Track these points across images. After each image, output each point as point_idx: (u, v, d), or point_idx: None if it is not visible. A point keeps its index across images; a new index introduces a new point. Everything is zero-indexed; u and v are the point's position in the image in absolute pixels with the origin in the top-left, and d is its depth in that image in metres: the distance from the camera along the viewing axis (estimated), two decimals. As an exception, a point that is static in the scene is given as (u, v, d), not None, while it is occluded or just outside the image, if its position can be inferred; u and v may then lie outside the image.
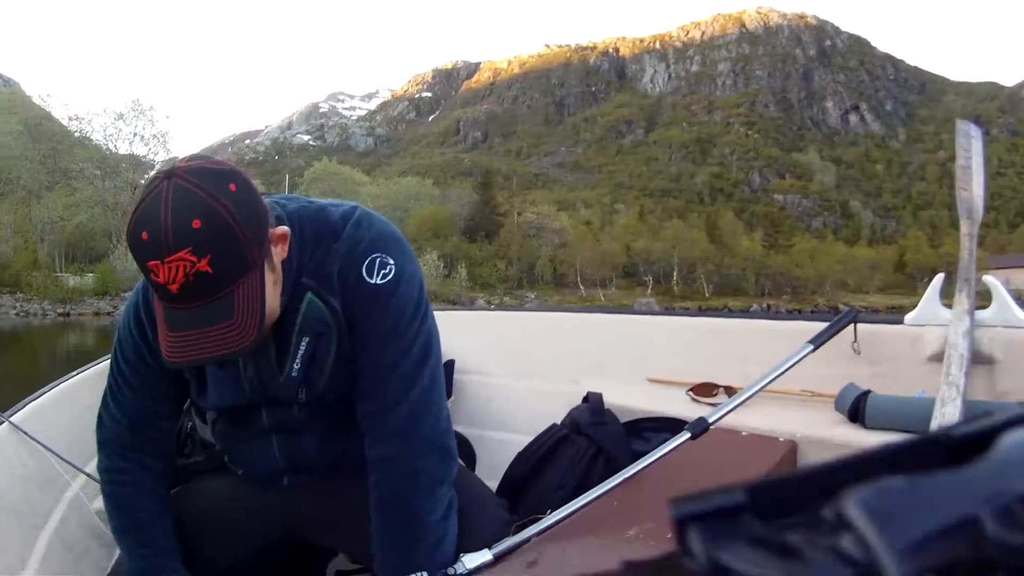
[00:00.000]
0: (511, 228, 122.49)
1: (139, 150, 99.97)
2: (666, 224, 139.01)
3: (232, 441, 2.28)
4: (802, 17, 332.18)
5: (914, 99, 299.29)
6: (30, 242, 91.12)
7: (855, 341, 3.03)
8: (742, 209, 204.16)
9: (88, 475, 3.06)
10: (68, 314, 75.71)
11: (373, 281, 2.00)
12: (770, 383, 2.65)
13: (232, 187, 1.70)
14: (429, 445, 2.07)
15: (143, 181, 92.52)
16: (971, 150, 3.54)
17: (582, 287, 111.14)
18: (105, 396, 2.23)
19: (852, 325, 3.05)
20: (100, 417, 2.23)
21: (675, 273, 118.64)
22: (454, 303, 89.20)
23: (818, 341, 2.86)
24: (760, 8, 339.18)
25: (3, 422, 2.90)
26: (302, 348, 2.03)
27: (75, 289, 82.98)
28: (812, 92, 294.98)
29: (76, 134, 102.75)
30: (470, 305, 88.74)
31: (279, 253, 1.87)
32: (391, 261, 2.02)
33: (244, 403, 2.14)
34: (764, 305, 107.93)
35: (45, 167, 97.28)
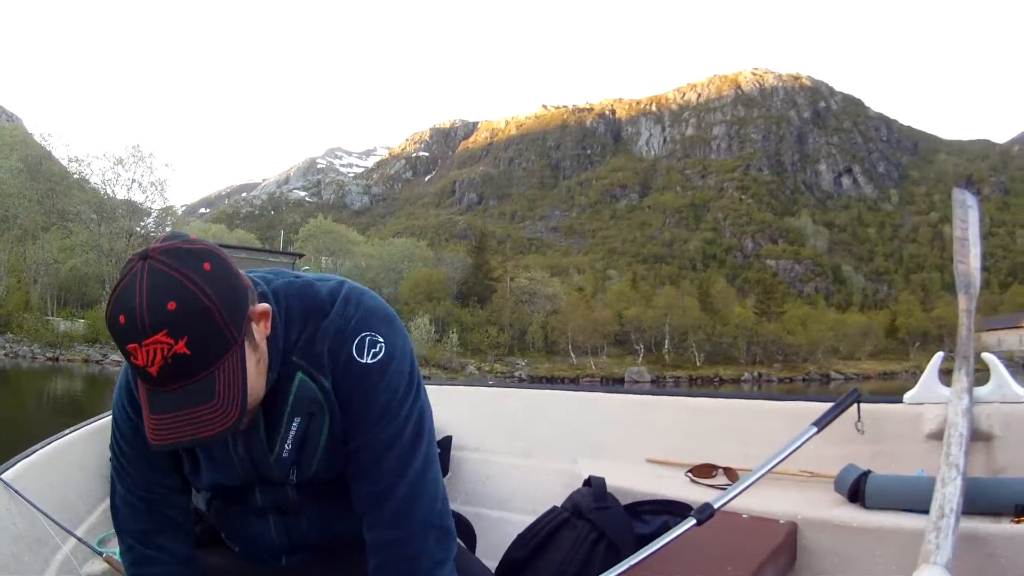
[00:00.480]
0: (504, 293, 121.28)
1: (137, 196, 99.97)
2: (658, 291, 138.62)
3: (229, 520, 2.27)
4: (797, 78, 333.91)
5: (907, 160, 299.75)
6: (23, 283, 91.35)
7: (858, 421, 3.08)
8: (735, 275, 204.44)
9: (79, 539, 3.08)
10: (57, 359, 75.72)
11: (364, 360, 1.98)
12: (774, 467, 2.69)
13: (207, 266, 1.69)
14: (428, 526, 2.03)
15: (139, 228, 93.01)
16: (968, 220, 3.68)
17: (573, 355, 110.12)
18: (113, 483, 2.19)
19: (855, 405, 3.09)
20: (113, 505, 2.20)
21: (666, 341, 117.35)
22: (445, 368, 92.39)
23: (822, 423, 2.89)
24: (756, 69, 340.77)
25: None
26: (293, 429, 2.01)
27: (65, 334, 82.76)
28: (806, 155, 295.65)
29: (75, 176, 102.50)
30: (461, 371, 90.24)
31: (262, 331, 1.85)
32: (381, 339, 2.00)
33: (236, 483, 2.12)
34: (755, 373, 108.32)
35: (42, 207, 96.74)
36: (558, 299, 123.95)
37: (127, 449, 2.14)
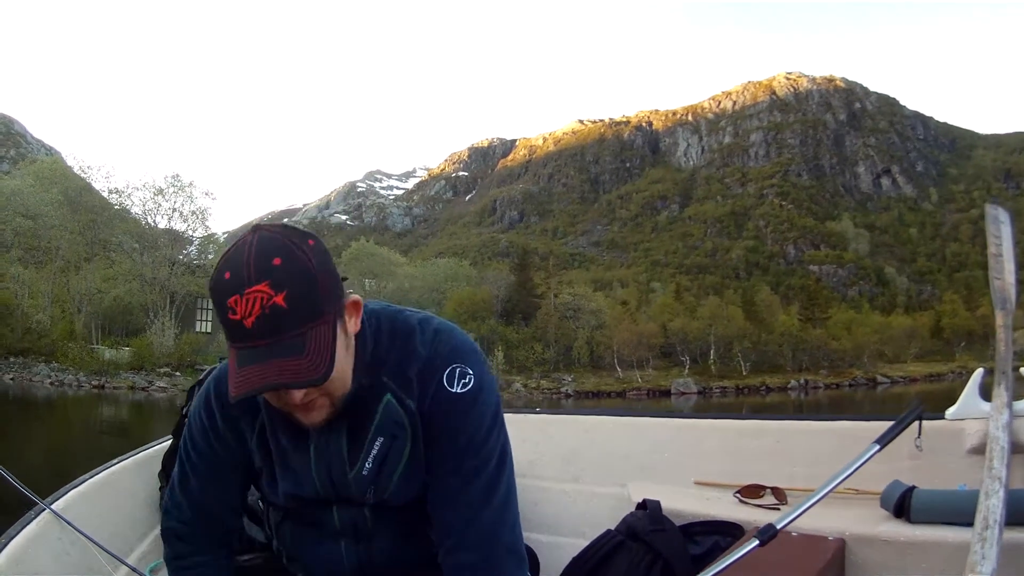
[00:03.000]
0: (548, 309, 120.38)
1: (178, 225, 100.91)
2: (703, 302, 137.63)
3: (298, 542, 2.33)
4: (831, 80, 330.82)
5: (944, 157, 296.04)
6: (67, 312, 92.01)
7: (918, 438, 3.12)
8: (778, 282, 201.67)
9: (130, 567, 3.19)
10: (103, 386, 75.59)
11: (454, 390, 2.06)
12: (839, 484, 2.70)
13: (311, 243, 1.81)
14: (510, 552, 2.10)
15: (181, 257, 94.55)
16: (1001, 236, 3.73)
17: (619, 368, 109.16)
18: (172, 485, 2.32)
19: (917, 421, 3.13)
20: (166, 507, 2.34)
21: (712, 352, 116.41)
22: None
23: (884, 440, 2.91)
24: (789, 74, 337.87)
25: (44, 510, 2.98)
26: (375, 448, 2.08)
27: (110, 362, 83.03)
28: (844, 157, 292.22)
29: (116, 207, 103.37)
30: (507, 388, 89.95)
31: (353, 323, 1.95)
32: (471, 371, 2.09)
33: (313, 496, 2.18)
34: (802, 380, 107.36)
35: (84, 238, 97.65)
36: (602, 313, 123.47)
37: (195, 457, 2.25)
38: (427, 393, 2.06)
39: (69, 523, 2.94)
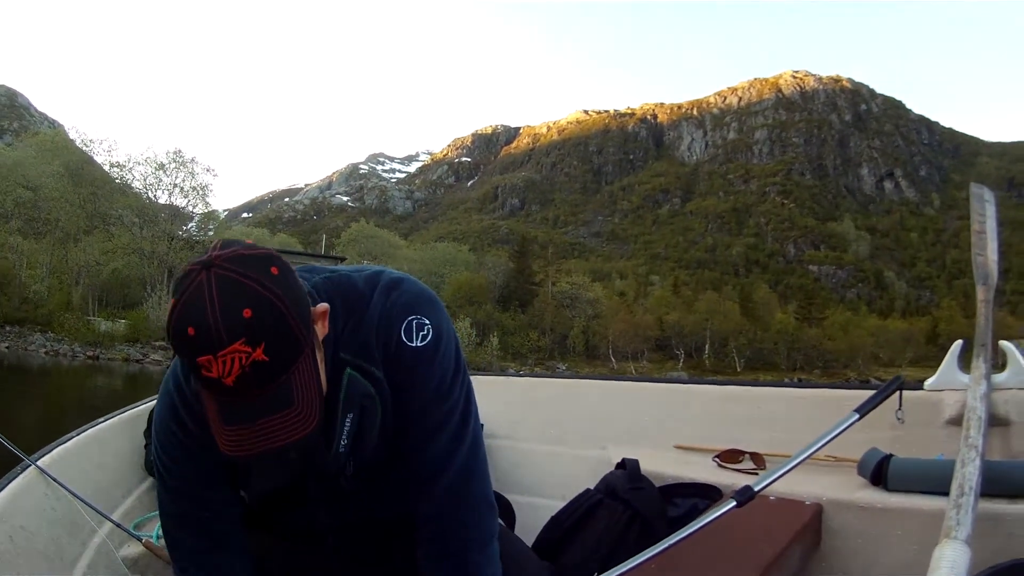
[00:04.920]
0: (545, 298, 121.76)
1: (179, 201, 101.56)
2: (700, 296, 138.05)
3: (276, 512, 2.27)
4: (837, 81, 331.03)
5: (948, 163, 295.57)
6: (65, 284, 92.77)
7: (899, 409, 3.18)
8: (777, 281, 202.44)
9: (116, 523, 3.20)
10: (97, 357, 76.10)
11: (414, 344, 2.00)
12: (817, 451, 2.71)
13: (274, 271, 1.67)
14: (480, 500, 2.11)
15: (181, 232, 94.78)
16: (985, 214, 3.83)
17: (614, 360, 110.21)
18: (164, 512, 2.20)
19: (898, 393, 3.18)
20: (168, 536, 2.21)
21: (707, 347, 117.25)
22: (485, 373, 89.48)
23: (864, 410, 2.93)
24: (796, 72, 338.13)
25: (30, 466, 3.00)
26: (347, 424, 2.00)
27: (106, 334, 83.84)
28: (848, 158, 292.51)
29: (117, 181, 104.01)
30: (501, 375, 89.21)
31: (321, 331, 1.85)
32: (427, 322, 2.03)
33: (289, 484, 2.14)
34: (796, 379, 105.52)
35: (84, 211, 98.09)
36: (599, 304, 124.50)
37: (177, 470, 2.11)
38: (389, 351, 2.00)
39: (54, 479, 2.99)
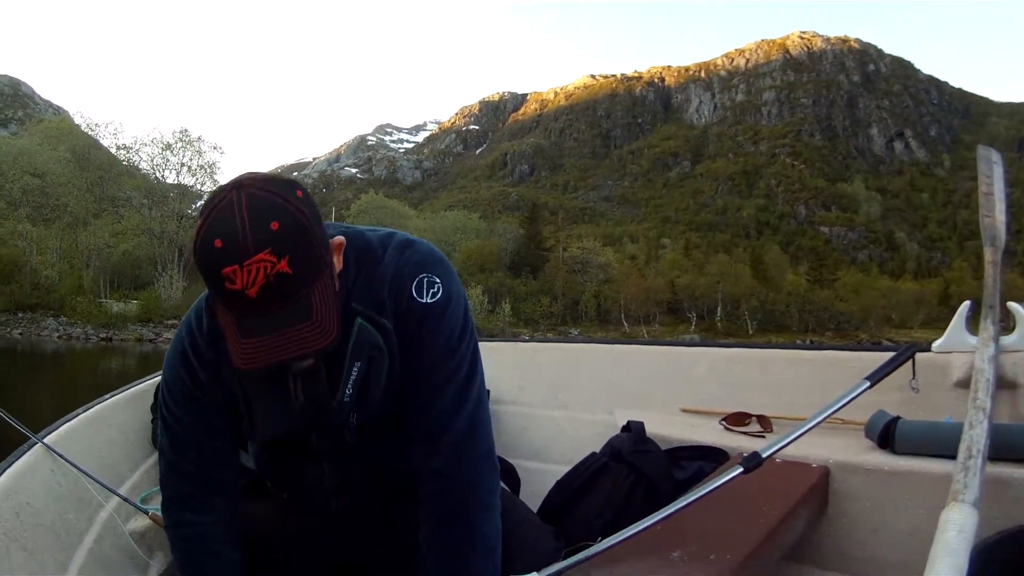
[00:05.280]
0: (556, 263, 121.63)
1: (187, 180, 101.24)
2: (711, 259, 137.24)
3: (280, 469, 2.29)
4: (845, 41, 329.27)
5: (958, 123, 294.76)
6: (76, 267, 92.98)
7: (913, 379, 3.06)
8: (788, 242, 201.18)
9: (123, 497, 3.21)
10: (110, 339, 76.08)
11: (424, 300, 2.03)
12: (826, 418, 2.61)
13: (299, 194, 1.73)
14: (484, 457, 2.12)
15: (190, 211, 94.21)
16: (992, 176, 3.76)
17: (626, 323, 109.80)
18: (162, 452, 2.25)
19: (911, 361, 3.08)
20: (163, 477, 2.25)
21: (719, 309, 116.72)
22: (507, 338, 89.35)
23: (875, 377, 2.84)
24: (803, 33, 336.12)
25: (36, 443, 3.01)
26: (354, 373, 2.03)
27: (118, 315, 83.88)
28: (857, 119, 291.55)
29: (124, 163, 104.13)
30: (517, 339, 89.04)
31: (337, 264, 1.89)
32: (438, 280, 2.06)
33: (295, 431, 2.14)
34: (808, 341, 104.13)
35: (93, 195, 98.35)
36: (611, 268, 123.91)
37: (180, 414, 2.15)
38: (400, 306, 2.03)
39: (60, 455, 3.00)
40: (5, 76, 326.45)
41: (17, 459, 2.83)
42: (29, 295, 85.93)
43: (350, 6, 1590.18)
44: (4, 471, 2.69)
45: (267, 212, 1.64)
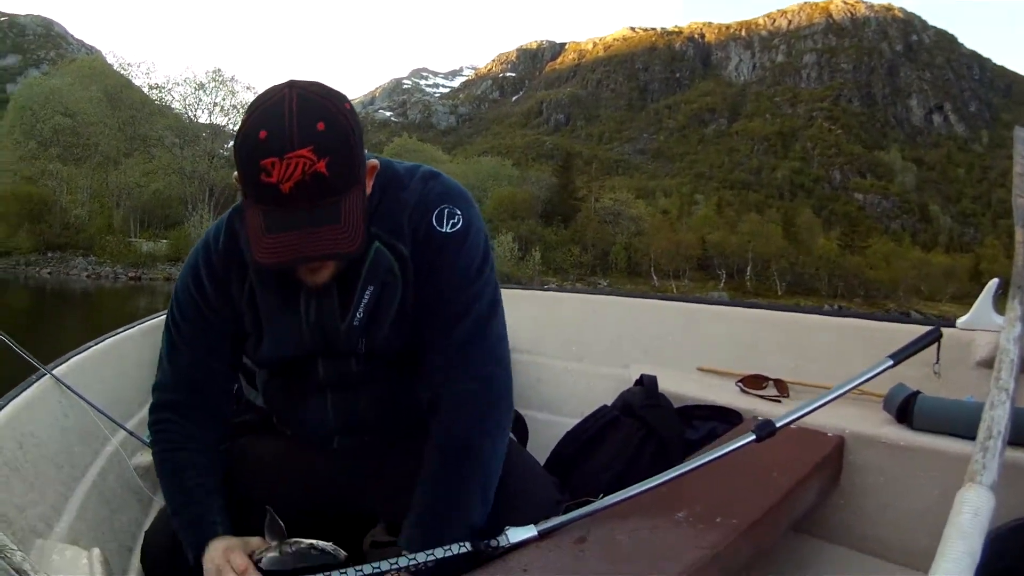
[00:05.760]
0: (588, 213, 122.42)
1: (219, 120, 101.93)
2: (744, 218, 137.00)
3: (285, 399, 2.30)
4: (889, 9, 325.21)
5: (999, 101, 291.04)
6: (106, 207, 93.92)
7: (936, 363, 2.90)
8: (821, 206, 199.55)
9: (129, 431, 3.20)
10: (139, 278, 77.46)
11: (444, 230, 2.03)
12: (843, 394, 2.43)
13: (347, 106, 1.74)
14: (503, 390, 2.12)
15: (222, 151, 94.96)
16: None
17: (655, 277, 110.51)
18: (161, 360, 2.24)
19: (937, 343, 2.89)
20: (156, 382, 2.25)
21: (749, 268, 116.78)
22: (526, 287, 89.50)
23: (899, 357, 2.67)
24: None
25: (45, 375, 2.96)
26: (366, 297, 2.03)
27: (148, 254, 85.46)
28: (897, 88, 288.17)
29: (156, 103, 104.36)
30: (541, 289, 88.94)
31: (368, 186, 1.89)
32: (459, 212, 2.06)
33: (302, 354, 2.13)
34: (836, 306, 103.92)
35: (124, 134, 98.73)
36: (642, 221, 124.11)
37: (184, 327, 2.16)
38: (418, 234, 2.03)
39: (68, 387, 2.98)
40: (37, 16, 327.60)
41: (24, 390, 2.80)
42: (59, 235, 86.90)
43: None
44: (9, 401, 2.67)
45: (315, 112, 1.65)
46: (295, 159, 1.61)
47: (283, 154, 1.61)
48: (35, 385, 2.83)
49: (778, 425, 2.18)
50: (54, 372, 2.95)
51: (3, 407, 2.57)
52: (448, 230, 2.03)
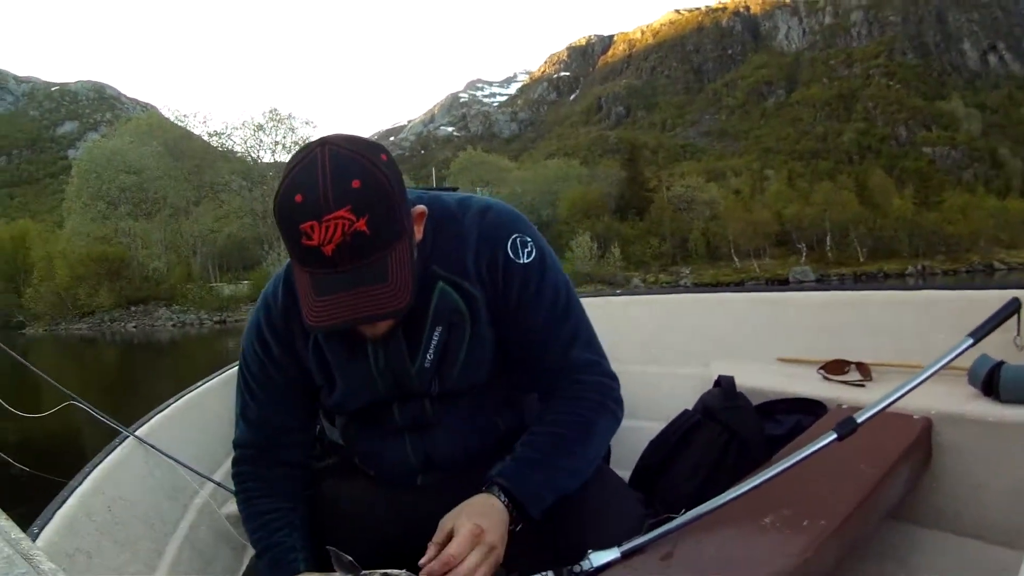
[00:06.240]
0: (661, 203, 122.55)
1: (282, 158, 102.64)
2: (816, 187, 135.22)
3: (364, 442, 2.29)
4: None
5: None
6: (183, 256, 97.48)
7: (1018, 335, 2.72)
8: (891, 165, 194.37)
9: (217, 483, 3.22)
10: (224, 321, 79.22)
11: (521, 261, 2.02)
12: (925, 380, 2.27)
13: (384, 157, 1.71)
14: (614, 378, 2.16)
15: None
16: None
17: (736, 259, 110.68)
18: (236, 416, 2.28)
19: (1016, 315, 2.74)
20: (235, 438, 2.29)
21: (828, 239, 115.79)
22: (610, 283, 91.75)
23: (978, 335, 2.54)
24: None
25: (128, 437, 2.99)
26: (435, 338, 2.02)
27: (230, 297, 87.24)
28: (948, 34, 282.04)
29: (218, 149, 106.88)
30: (626, 284, 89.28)
31: (417, 232, 1.88)
32: (529, 239, 2.05)
33: (376, 400, 2.13)
34: (919, 266, 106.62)
35: (190, 183, 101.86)
36: (716, 204, 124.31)
37: (253, 386, 2.19)
38: (494, 269, 2.03)
39: (153, 446, 3.04)
40: (87, 81, 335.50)
41: (108, 454, 2.87)
42: (139, 288, 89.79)
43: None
44: (96, 466, 2.74)
45: (349, 170, 1.63)
46: (334, 221, 1.60)
47: (321, 217, 1.60)
48: (120, 448, 2.95)
49: (859, 420, 2.09)
50: (137, 433, 3.05)
51: (91, 471, 2.68)
52: (526, 260, 2.03)
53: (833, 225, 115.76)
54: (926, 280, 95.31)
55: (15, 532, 1.07)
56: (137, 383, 29.68)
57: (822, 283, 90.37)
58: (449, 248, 2.00)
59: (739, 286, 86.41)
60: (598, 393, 2.07)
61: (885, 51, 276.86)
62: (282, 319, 2.10)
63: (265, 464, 2.21)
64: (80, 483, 2.54)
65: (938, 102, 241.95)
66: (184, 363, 37.62)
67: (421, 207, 1.88)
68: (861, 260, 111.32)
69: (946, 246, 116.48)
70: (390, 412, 2.14)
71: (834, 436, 2.04)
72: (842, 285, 5.03)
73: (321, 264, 1.64)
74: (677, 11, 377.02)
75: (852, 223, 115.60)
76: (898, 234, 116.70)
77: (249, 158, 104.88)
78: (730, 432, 2.88)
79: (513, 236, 2.02)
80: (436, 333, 2.00)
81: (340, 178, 1.60)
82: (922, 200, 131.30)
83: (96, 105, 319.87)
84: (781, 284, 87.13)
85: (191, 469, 3.09)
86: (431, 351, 2.01)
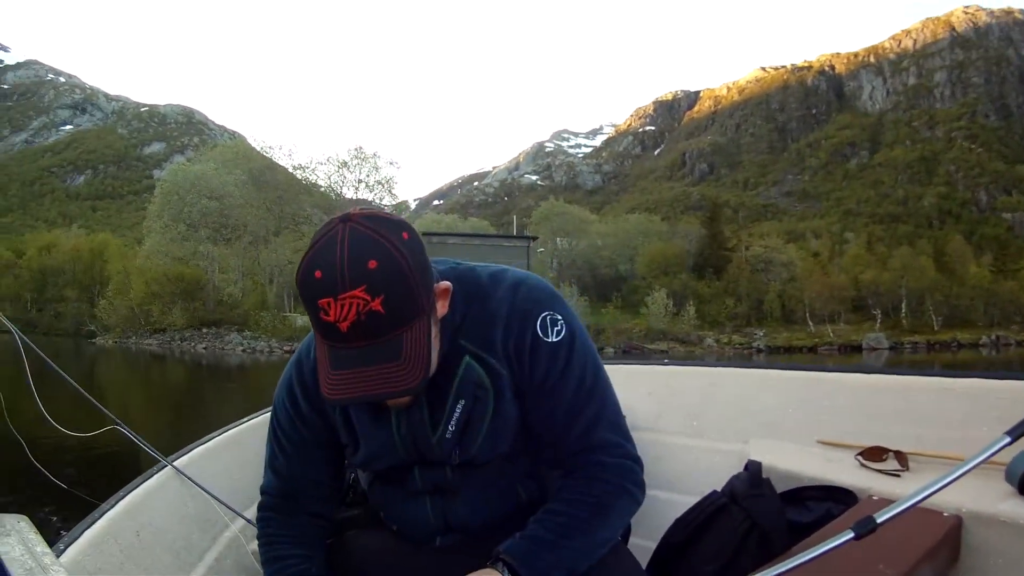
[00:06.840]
0: (739, 263, 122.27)
1: (364, 195, 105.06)
2: (894, 252, 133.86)
3: (387, 500, 2.37)
4: (1009, 12, 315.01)
5: None
6: (258, 284, 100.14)
7: None
8: (971, 231, 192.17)
9: (247, 520, 3.22)
10: (294, 351, 78.72)
11: (550, 339, 2.04)
12: (953, 481, 1.98)
13: (405, 236, 1.73)
14: (636, 460, 2.19)
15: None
16: None
17: (811, 323, 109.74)
18: (265, 464, 2.37)
19: None
20: (262, 484, 2.38)
21: (903, 305, 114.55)
22: (683, 342, 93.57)
23: (1016, 433, 2.11)
24: (967, 7, 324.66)
25: (166, 466, 3.09)
26: (457, 411, 2.05)
27: (303, 328, 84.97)
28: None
29: (302, 181, 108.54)
30: (699, 343, 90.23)
31: (441, 308, 1.90)
32: (560, 317, 2.07)
33: (397, 464, 2.19)
34: (993, 336, 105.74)
35: (272, 214, 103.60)
36: (794, 266, 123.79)
37: (282, 439, 2.29)
38: (523, 347, 2.06)
39: (188, 477, 3.11)
40: (178, 105, 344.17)
41: (145, 480, 2.99)
42: (212, 311, 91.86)
43: (521, 18, 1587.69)
44: (131, 491, 2.87)
45: (367, 250, 1.66)
46: (349, 300, 1.64)
47: (337, 295, 1.64)
48: (155, 476, 3.04)
49: (879, 520, 1.90)
50: (175, 463, 3.14)
51: (124, 497, 2.81)
52: (555, 339, 2.05)
53: (909, 292, 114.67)
54: (1000, 350, 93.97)
55: (41, 547, 1.22)
56: (207, 403, 31.14)
57: (895, 351, 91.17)
58: (479, 322, 2.07)
59: (811, 351, 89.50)
60: (618, 475, 2.12)
61: (968, 113, 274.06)
62: (312, 378, 2.16)
63: (288, 512, 2.32)
64: (112, 506, 2.74)
65: (1019, 166, 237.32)
66: (253, 389, 38.60)
67: (446, 283, 1.93)
68: (936, 328, 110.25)
69: (1022, 316, 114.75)
70: (412, 475, 2.23)
71: (851, 535, 1.93)
72: (889, 368, 5.38)
73: (337, 339, 1.70)
74: (763, 68, 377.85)
75: (928, 290, 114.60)
76: (974, 302, 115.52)
77: (332, 193, 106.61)
78: (752, 521, 2.94)
79: (544, 314, 2.07)
80: (459, 406, 2.06)
81: (357, 258, 1.65)
82: (1000, 268, 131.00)
83: (184, 128, 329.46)
84: (855, 350, 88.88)
85: (224, 504, 3.21)
86: (453, 423, 2.08)
